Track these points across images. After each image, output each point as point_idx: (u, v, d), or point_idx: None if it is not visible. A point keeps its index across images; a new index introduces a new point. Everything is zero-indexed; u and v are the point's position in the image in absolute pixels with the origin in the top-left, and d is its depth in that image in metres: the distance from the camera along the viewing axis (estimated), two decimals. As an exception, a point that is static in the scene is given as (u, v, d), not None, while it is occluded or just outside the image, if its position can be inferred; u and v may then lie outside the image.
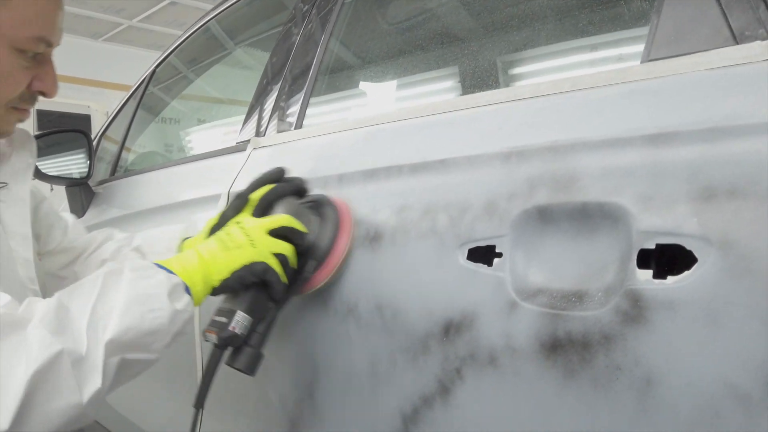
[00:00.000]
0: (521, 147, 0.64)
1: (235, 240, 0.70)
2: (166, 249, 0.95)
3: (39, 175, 1.69)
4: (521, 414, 0.57)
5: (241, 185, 1.06)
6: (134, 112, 1.91)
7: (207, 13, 1.65)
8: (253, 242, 0.70)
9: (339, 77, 1.08)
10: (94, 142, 2.12)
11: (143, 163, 1.94)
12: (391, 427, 0.69)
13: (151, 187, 1.46)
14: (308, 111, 1.04)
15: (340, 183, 0.84)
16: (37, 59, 0.75)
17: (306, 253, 0.75)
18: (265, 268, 0.70)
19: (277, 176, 0.79)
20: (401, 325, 0.69)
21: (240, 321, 0.70)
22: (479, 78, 0.87)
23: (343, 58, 1.08)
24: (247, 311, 0.71)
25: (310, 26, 1.10)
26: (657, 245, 0.50)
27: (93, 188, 1.82)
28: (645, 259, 0.51)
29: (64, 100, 5.44)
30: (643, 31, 0.63)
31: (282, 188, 0.78)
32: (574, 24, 0.78)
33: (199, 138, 2.42)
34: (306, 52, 1.08)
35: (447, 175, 0.70)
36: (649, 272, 0.50)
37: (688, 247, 0.48)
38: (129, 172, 1.72)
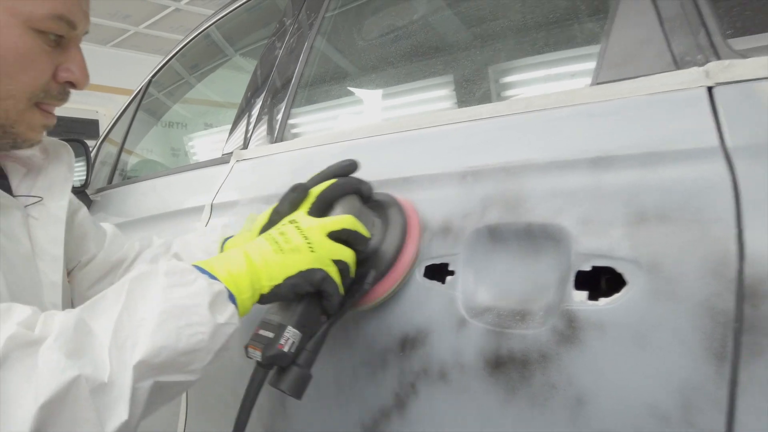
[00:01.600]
0: (477, 167, 0.65)
1: (291, 242, 0.60)
2: (205, 254, 0.85)
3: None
4: (469, 428, 0.59)
5: (224, 197, 1.09)
6: (131, 120, 1.94)
7: (206, 20, 1.68)
8: (312, 246, 0.60)
9: (318, 91, 1.10)
10: (96, 150, 2.17)
11: (142, 170, 1.97)
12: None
13: (145, 196, 1.49)
14: (289, 123, 1.06)
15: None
16: (61, 45, 0.66)
17: (366, 262, 0.66)
18: (324, 276, 0.60)
19: (345, 170, 0.69)
20: (362, 339, 0.71)
21: (289, 337, 0.61)
22: (443, 96, 0.88)
23: (322, 72, 1.10)
24: (298, 326, 0.62)
25: (292, 40, 1.13)
26: (593, 267, 0.51)
27: (91, 196, 1.86)
28: (583, 280, 0.52)
29: (73, 106, 5.52)
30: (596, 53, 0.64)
31: (346, 184, 0.67)
32: (534, 45, 0.80)
33: (203, 143, 2.45)
34: (287, 66, 1.10)
35: (410, 192, 0.72)
36: (585, 294, 0.51)
37: (619, 270, 0.50)
38: (125, 181, 1.76)
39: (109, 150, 2.08)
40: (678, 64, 0.54)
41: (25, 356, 0.47)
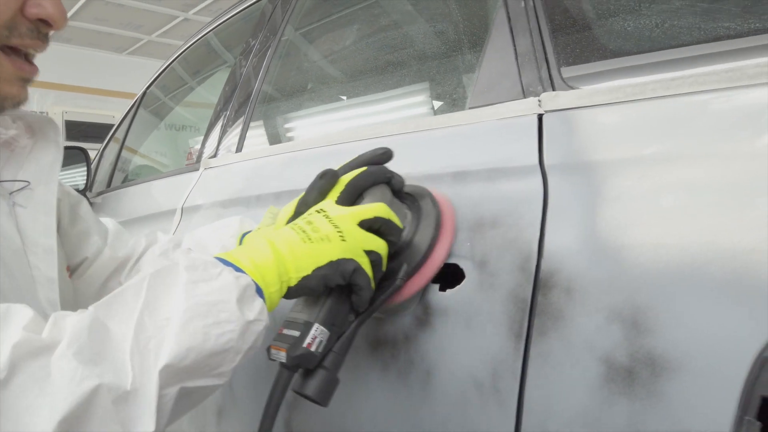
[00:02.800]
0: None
1: (320, 230, 0.56)
2: (221, 249, 0.78)
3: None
4: (358, 397, 0.69)
5: (192, 201, 1.21)
6: (128, 125, 2.08)
7: (203, 28, 1.76)
8: (342, 234, 0.56)
9: (272, 106, 1.22)
10: (99, 154, 2.31)
11: (139, 174, 2.11)
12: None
13: (135, 199, 1.63)
14: (248, 135, 1.17)
15: (258, 202, 0.98)
16: None
17: (398, 256, 0.61)
18: (356, 267, 0.55)
19: (378, 158, 0.64)
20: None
21: (317, 336, 0.56)
22: (365, 114, 1.00)
23: (276, 89, 1.21)
24: (326, 324, 0.57)
25: (254, 59, 1.24)
26: (445, 264, 0.62)
27: (92, 199, 2.01)
28: (438, 275, 0.63)
29: (91, 111, 5.74)
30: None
31: (378, 172, 0.62)
32: (430, 72, 0.90)
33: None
34: (248, 83, 1.22)
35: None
36: (437, 286, 0.62)
37: (461, 266, 0.60)
38: (119, 185, 1.89)
39: (129, 152, 2.21)
40: (525, 93, 0.64)
41: (37, 366, 0.41)
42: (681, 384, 0.42)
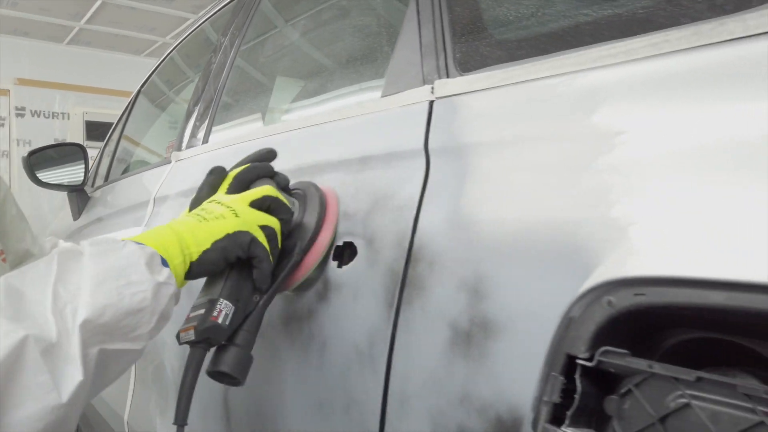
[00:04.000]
0: (300, 165, 0.81)
1: (214, 212, 0.60)
2: None
3: (40, 183, 1.98)
4: (276, 371, 0.74)
5: (162, 192, 1.27)
6: (123, 124, 2.16)
7: (197, 19, 1.78)
8: (236, 212, 0.60)
9: (234, 101, 1.27)
10: (101, 150, 2.40)
11: (133, 168, 2.20)
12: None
13: (121, 192, 1.70)
14: (213, 129, 1.23)
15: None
16: None
17: (291, 236, 0.66)
18: (252, 238, 0.59)
19: (263, 157, 0.71)
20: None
21: (222, 309, 0.58)
22: (300, 107, 1.04)
23: (238, 85, 1.27)
24: (230, 298, 0.59)
25: (221, 57, 1.30)
26: (343, 242, 0.66)
27: (91, 193, 2.09)
28: (338, 253, 0.67)
29: (109, 111, 5.90)
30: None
31: (261, 167, 0.68)
32: (356, 64, 0.94)
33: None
34: (216, 79, 1.28)
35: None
36: (336, 263, 0.66)
37: (356, 244, 0.64)
38: (112, 180, 1.97)
39: (126, 147, 2.29)
40: (425, 81, 0.68)
41: None
42: (503, 344, 0.46)
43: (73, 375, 0.46)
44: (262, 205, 0.63)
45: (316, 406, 0.64)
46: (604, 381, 0.41)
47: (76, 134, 5.35)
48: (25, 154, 1.97)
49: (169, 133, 2.50)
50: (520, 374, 0.44)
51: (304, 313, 0.68)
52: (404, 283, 0.56)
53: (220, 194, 0.65)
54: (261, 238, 0.61)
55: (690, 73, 0.43)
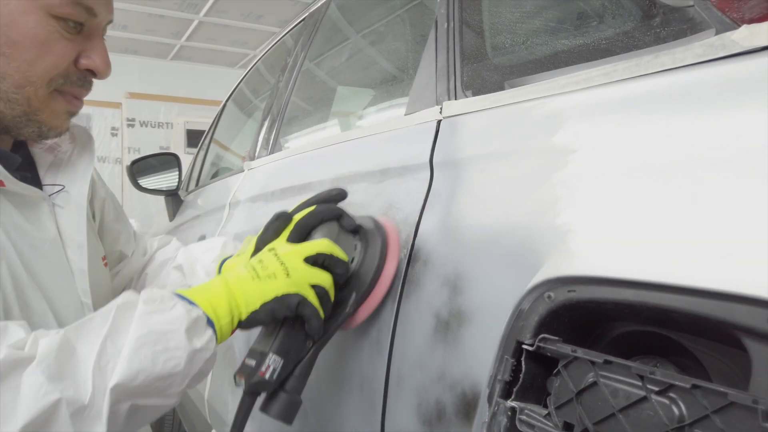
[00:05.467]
0: (339, 176, 0.92)
1: (268, 268, 0.63)
2: (205, 272, 0.89)
3: (141, 188, 2.25)
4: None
5: (235, 198, 1.44)
6: (213, 132, 2.39)
7: (279, 33, 1.95)
8: (288, 271, 0.62)
9: (296, 115, 1.41)
10: (194, 157, 2.66)
11: (220, 174, 2.42)
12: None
13: (206, 196, 1.91)
14: (280, 140, 1.38)
15: (272, 197, 1.17)
16: (83, 33, 0.68)
17: (348, 285, 0.69)
18: (301, 300, 0.62)
19: (330, 198, 0.73)
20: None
21: (270, 365, 0.62)
22: (334, 124, 1.15)
23: (299, 101, 1.41)
24: (279, 352, 0.63)
25: (287, 75, 1.45)
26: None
27: (184, 197, 2.34)
28: (360, 252, 0.77)
29: (207, 120, 6.37)
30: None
31: (325, 211, 0.70)
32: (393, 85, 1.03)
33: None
34: (282, 94, 1.43)
35: (305, 193, 0.99)
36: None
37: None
38: (201, 184, 2.20)
39: (217, 153, 2.53)
40: (437, 102, 0.77)
41: (12, 378, 0.50)
42: (471, 331, 0.54)
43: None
44: (317, 260, 0.65)
45: (339, 383, 0.74)
46: (550, 364, 0.49)
47: (178, 142, 5.84)
48: (129, 163, 2.24)
49: (250, 139, 2.73)
50: (481, 357, 0.52)
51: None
52: (405, 280, 0.66)
53: (281, 242, 0.68)
54: (311, 297, 0.63)
55: (631, 99, 0.50)
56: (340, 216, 0.71)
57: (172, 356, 0.56)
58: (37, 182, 0.75)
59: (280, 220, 0.69)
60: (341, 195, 0.73)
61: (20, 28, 0.62)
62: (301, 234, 0.68)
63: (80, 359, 0.53)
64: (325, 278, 0.64)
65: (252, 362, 0.63)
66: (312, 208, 0.70)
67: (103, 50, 0.69)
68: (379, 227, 0.70)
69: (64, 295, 0.71)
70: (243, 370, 0.63)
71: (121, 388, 0.53)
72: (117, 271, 0.95)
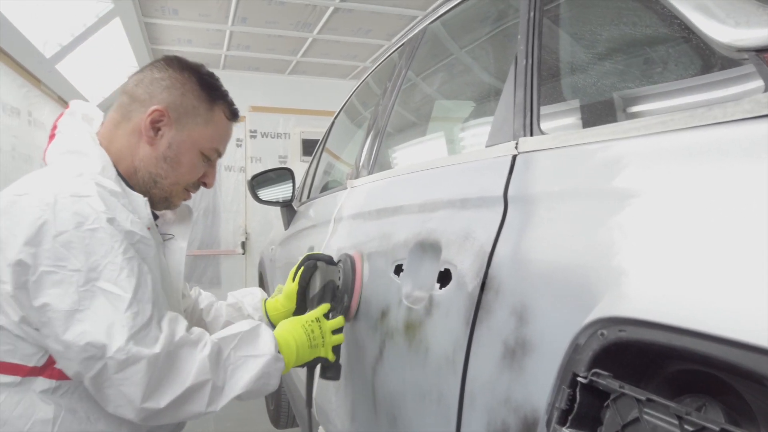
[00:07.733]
0: (425, 202, 0.99)
1: (316, 339, 1.08)
2: (253, 308, 1.33)
3: (261, 201, 2.46)
4: (398, 363, 0.93)
5: (339, 214, 1.55)
6: (324, 143, 2.55)
7: (388, 47, 2.07)
8: (324, 343, 1.08)
9: (392, 138, 1.50)
10: (308, 167, 2.85)
11: (330, 186, 2.58)
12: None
13: (315, 209, 2.06)
14: (377, 161, 1.47)
15: (368, 216, 1.27)
16: (209, 163, 1.15)
17: (342, 294, 1.19)
18: (324, 359, 1.10)
19: (322, 257, 1.26)
20: (365, 312, 1.09)
21: None
22: (428, 149, 1.20)
23: (398, 123, 1.49)
24: None
25: (386, 99, 1.54)
26: (445, 269, 0.83)
27: (297, 208, 2.53)
28: (442, 277, 0.83)
29: (321, 130, 6.71)
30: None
31: (317, 257, 1.26)
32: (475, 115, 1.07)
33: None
34: (381, 116, 1.52)
35: (397, 216, 1.08)
36: (438, 284, 0.83)
37: (451, 271, 0.80)
38: (312, 197, 2.36)
39: (329, 163, 2.70)
40: (514, 137, 0.81)
41: (193, 349, 0.90)
42: (533, 361, 0.59)
43: (216, 406, 0.93)
44: (335, 327, 1.12)
45: (420, 396, 0.81)
46: (604, 396, 0.52)
47: (295, 151, 6.22)
48: (249, 178, 2.46)
49: (356, 152, 2.86)
50: (541, 384, 0.57)
51: (417, 324, 0.87)
52: (478, 306, 0.71)
53: (323, 318, 1.12)
54: (330, 356, 1.10)
55: (686, 148, 0.52)
56: (326, 258, 1.26)
57: (269, 387, 0.99)
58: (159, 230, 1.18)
59: (306, 270, 1.24)
60: (331, 260, 1.26)
61: (183, 156, 1.10)
62: (312, 271, 1.24)
63: (228, 364, 0.95)
64: (340, 340, 1.12)
65: None
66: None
67: (215, 172, 1.18)
68: (350, 257, 1.21)
69: (170, 302, 1.08)
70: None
71: (238, 395, 0.95)
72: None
